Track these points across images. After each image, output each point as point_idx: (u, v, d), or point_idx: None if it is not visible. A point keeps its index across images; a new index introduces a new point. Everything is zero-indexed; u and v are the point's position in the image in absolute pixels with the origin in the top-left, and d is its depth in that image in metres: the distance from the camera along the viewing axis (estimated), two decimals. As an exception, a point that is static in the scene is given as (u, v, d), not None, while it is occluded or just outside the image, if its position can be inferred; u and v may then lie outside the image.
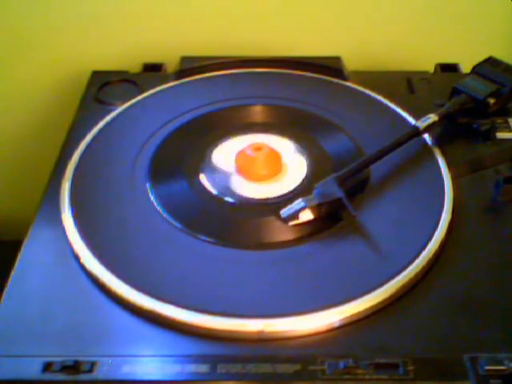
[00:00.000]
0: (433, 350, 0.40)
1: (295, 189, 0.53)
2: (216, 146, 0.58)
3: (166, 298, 0.42)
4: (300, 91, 0.65)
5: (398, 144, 0.54)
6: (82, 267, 0.46)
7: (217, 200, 0.52)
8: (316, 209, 0.49)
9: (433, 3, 0.74)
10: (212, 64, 0.69)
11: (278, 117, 0.62)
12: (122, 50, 0.76)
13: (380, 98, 0.64)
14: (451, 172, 0.54)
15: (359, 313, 0.42)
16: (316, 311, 0.42)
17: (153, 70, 0.71)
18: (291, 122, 0.61)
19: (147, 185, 0.53)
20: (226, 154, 0.57)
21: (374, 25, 0.76)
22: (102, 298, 0.44)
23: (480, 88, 0.58)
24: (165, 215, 0.50)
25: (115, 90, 0.66)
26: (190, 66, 0.69)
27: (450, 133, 0.58)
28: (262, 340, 0.41)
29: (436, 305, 0.43)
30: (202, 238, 0.48)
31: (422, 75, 0.68)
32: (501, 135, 0.57)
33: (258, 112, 0.63)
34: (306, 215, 0.49)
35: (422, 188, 0.53)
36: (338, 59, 0.70)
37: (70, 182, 0.53)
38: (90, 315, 0.43)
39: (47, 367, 0.39)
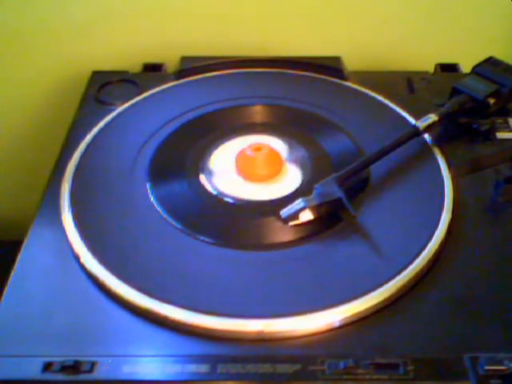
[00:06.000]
0: (433, 350, 0.40)
1: (295, 189, 0.53)
2: (216, 145, 0.58)
3: (165, 297, 0.42)
4: (300, 91, 0.65)
5: (398, 144, 0.54)
6: (82, 267, 0.46)
7: (217, 200, 0.52)
8: (316, 209, 0.49)
9: (433, 3, 0.74)
10: (212, 64, 0.69)
11: (278, 117, 0.62)
12: (122, 50, 0.76)
13: (380, 97, 0.64)
14: (451, 172, 0.54)
15: (359, 313, 0.42)
16: (316, 311, 0.42)
17: (153, 70, 0.71)
18: (291, 122, 0.61)
19: (147, 185, 0.53)
20: (226, 154, 0.57)
21: (374, 25, 0.76)
22: (102, 298, 0.44)
23: (480, 88, 0.58)
24: (165, 215, 0.50)
25: (115, 90, 0.66)
26: (190, 66, 0.69)
27: (449, 133, 0.58)
28: (261, 340, 0.41)
29: (436, 305, 0.43)
30: (202, 238, 0.48)
31: (422, 75, 0.68)
32: (501, 135, 0.57)
33: (258, 112, 0.63)
34: (306, 215, 0.49)
35: (422, 188, 0.53)
36: (338, 59, 0.70)
37: (70, 182, 0.53)
38: (90, 315, 0.43)
39: (47, 367, 0.39)
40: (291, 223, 0.49)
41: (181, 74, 0.68)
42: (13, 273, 0.46)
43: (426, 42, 0.77)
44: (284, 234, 0.48)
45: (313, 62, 0.69)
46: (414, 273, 0.44)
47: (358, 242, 0.47)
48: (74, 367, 0.38)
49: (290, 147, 0.58)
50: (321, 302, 0.42)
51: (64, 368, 0.38)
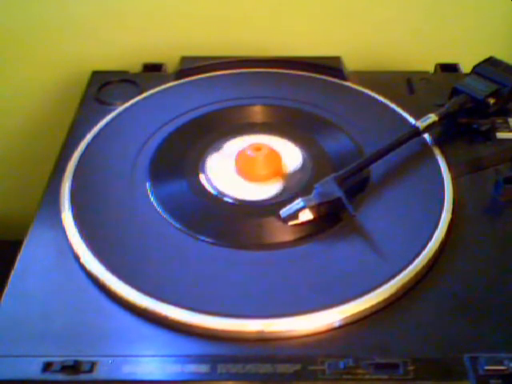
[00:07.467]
0: (433, 349, 0.40)
1: (295, 189, 0.53)
2: (216, 145, 0.58)
3: (166, 297, 0.42)
4: (300, 91, 0.65)
5: (397, 144, 0.54)
6: (82, 267, 0.46)
7: (217, 200, 0.52)
8: (315, 208, 0.49)
9: (433, 4, 0.74)
10: (212, 64, 0.69)
11: (278, 117, 0.62)
12: (122, 50, 0.76)
13: (380, 98, 0.64)
14: (451, 172, 0.54)
15: (359, 313, 0.42)
16: (316, 311, 0.42)
17: (153, 70, 0.71)
18: (291, 122, 0.61)
19: (147, 185, 0.53)
20: (225, 154, 0.57)
21: (374, 25, 0.76)
22: (102, 298, 0.44)
23: (480, 88, 0.58)
24: (165, 215, 0.50)
25: (115, 89, 0.66)
26: (190, 66, 0.69)
27: (449, 133, 0.58)
28: (261, 340, 0.41)
29: (436, 305, 0.43)
30: (202, 238, 0.48)
31: (422, 75, 0.68)
32: (501, 135, 0.57)
33: (258, 112, 0.63)
34: (306, 215, 0.49)
35: (422, 188, 0.53)
36: (338, 59, 0.70)
37: (70, 181, 0.53)
38: (90, 315, 0.43)
39: (47, 367, 0.39)
40: (291, 223, 0.49)
41: (181, 73, 0.68)
42: (13, 273, 0.46)
43: (425, 42, 0.77)
44: (284, 234, 0.48)
45: (313, 62, 0.69)
46: (413, 273, 0.44)
47: (358, 242, 0.47)
48: (74, 367, 0.38)
49: (290, 147, 0.58)
50: (321, 302, 0.42)
51: (64, 368, 0.38)
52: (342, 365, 0.39)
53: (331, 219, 0.49)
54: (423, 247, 0.46)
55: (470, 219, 0.50)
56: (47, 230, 0.50)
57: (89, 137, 0.58)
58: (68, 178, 0.53)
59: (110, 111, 0.62)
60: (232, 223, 0.50)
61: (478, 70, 0.60)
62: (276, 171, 0.55)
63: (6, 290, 0.44)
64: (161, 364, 0.39)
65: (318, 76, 0.68)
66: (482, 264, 0.46)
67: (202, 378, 0.38)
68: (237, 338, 0.41)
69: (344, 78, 0.68)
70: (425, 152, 0.56)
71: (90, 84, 0.68)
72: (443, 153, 0.56)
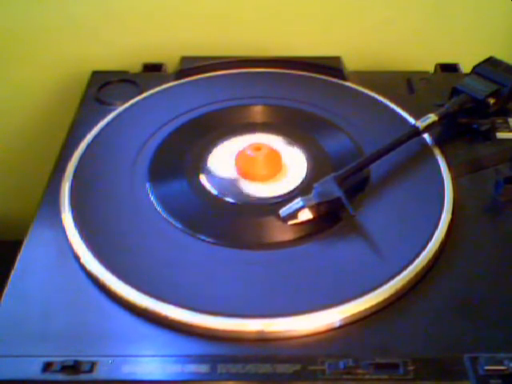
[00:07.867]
0: (433, 350, 0.40)
1: (295, 189, 0.53)
2: (216, 145, 0.58)
3: (166, 297, 0.42)
4: (300, 91, 0.65)
5: (397, 144, 0.54)
6: (82, 267, 0.46)
7: (217, 200, 0.52)
8: (315, 208, 0.49)
9: (433, 3, 0.74)
10: (212, 64, 0.69)
11: (278, 117, 0.62)
12: (122, 50, 0.76)
13: (380, 98, 0.64)
14: (451, 172, 0.54)
15: (359, 313, 0.42)
16: (316, 311, 0.42)
17: (153, 70, 0.71)
18: (291, 122, 0.61)
19: (147, 185, 0.53)
20: (225, 153, 0.57)
21: (374, 25, 0.76)
22: (101, 298, 0.44)
23: (480, 88, 0.58)
24: (165, 215, 0.50)
25: (115, 89, 0.66)
26: (190, 66, 0.69)
27: (449, 133, 0.58)
28: (261, 340, 0.41)
29: (436, 305, 0.43)
30: (202, 237, 0.48)
31: (422, 75, 0.68)
32: (501, 135, 0.57)
33: (258, 112, 0.63)
34: (305, 215, 0.49)
35: (421, 188, 0.53)
36: (338, 59, 0.70)
37: (70, 181, 0.53)
38: (90, 315, 0.43)
39: (47, 367, 0.39)
40: (290, 222, 0.49)
41: (181, 73, 0.68)
42: (13, 273, 0.46)
43: (426, 42, 0.77)
44: (283, 234, 0.48)
45: (313, 62, 0.69)
46: (413, 273, 0.44)
47: (358, 242, 0.47)
48: (74, 367, 0.38)
49: (290, 147, 0.58)
50: (321, 302, 0.42)
51: (64, 368, 0.38)
52: (341, 365, 0.39)
53: (331, 219, 0.49)
54: (423, 247, 0.46)
55: (470, 219, 0.50)
56: (47, 230, 0.50)
57: (89, 137, 0.58)
58: (68, 177, 0.53)
59: (110, 111, 0.62)
60: (232, 223, 0.50)
61: (478, 70, 0.60)
62: (276, 171, 0.55)
63: (6, 290, 0.44)
64: (161, 364, 0.39)
65: (318, 76, 0.68)
66: (482, 264, 0.46)
67: (202, 378, 0.38)
68: (237, 337, 0.41)
69: (344, 78, 0.68)
70: (425, 152, 0.56)
71: (90, 84, 0.68)
72: (443, 153, 0.56)
